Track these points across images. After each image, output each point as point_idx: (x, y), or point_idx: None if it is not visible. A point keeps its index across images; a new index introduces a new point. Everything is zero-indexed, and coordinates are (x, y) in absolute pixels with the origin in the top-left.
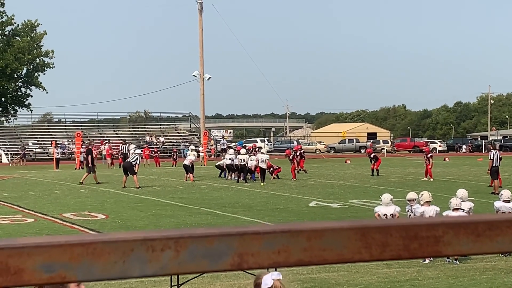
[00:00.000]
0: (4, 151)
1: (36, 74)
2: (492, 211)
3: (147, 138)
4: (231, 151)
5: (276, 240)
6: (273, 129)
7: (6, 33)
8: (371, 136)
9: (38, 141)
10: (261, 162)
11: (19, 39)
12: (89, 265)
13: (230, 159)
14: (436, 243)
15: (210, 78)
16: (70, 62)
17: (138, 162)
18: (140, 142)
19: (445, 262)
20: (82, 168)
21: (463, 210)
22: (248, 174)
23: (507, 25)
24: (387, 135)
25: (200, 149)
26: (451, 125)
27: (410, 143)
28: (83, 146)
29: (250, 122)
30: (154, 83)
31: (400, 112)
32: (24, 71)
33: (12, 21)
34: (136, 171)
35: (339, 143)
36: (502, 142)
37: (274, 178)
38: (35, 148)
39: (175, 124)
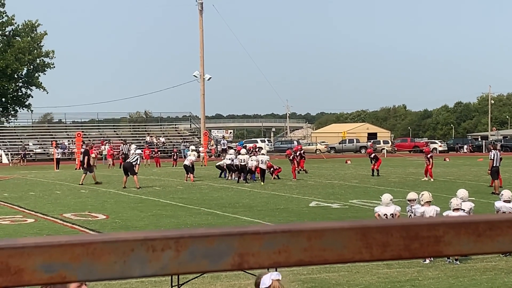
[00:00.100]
0: (4, 151)
1: (36, 75)
2: (493, 211)
3: (148, 139)
4: (232, 151)
5: (277, 240)
6: (273, 129)
7: (7, 33)
8: (372, 136)
9: (38, 141)
10: (261, 163)
11: (20, 39)
12: (90, 265)
13: (230, 159)
14: (437, 243)
15: (210, 78)
16: (70, 62)
17: (138, 163)
18: (140, 142)
19: (446, 262)
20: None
21: (464, 210)
22: (248, 174)
23: (507, 25)
24: (388, 135)
25: (201, 149)
26: (452, 125)
27: (411, 143)
28: (83, 147)
29: (251, 122)
30: (154, 83)
31: (401, 112)
32: (24, 72)
33: (12, 21)
34: (136, 171)
35: (339, 143)
36: (503, 142)
37: (274, 178)
38: (36, 149)
39: (175, 124)
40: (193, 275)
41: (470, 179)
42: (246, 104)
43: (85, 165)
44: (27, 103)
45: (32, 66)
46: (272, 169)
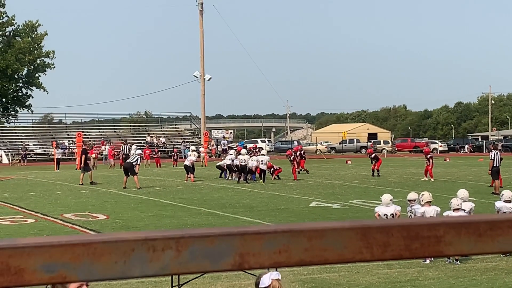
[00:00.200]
0: (4, 151)
1: (36, 75)
2: (493, 211)
3: (148, 139)
4: (232, 151)
5: (277, 240)
6: (273, 129)
7: (7, 33)
8: (372, 136)
9: (38, 141)
10: (262, 163)
11: (20, 39)
12: (90, 265)
13: (230, 159)
14: (438, 243)
15: (210, 78)
16: (70, 62)
17: (138, 163)
18: (140, 143)
19: (446, 262)
20: None
21: (464, 210)
22: (249, 174)
23: (508, 25)
24: (388, 135)
25: (201, 149)
26: (452, 125)
27: (411, 144)
28: (83, 146)
29: (251, 122)
30: (154, 83)
31: (401, 112)
32: (24, 72)
33: (12, 21)
34: (136, 171)
35: (339, 143)
36: (503, 142)
37: (274, 178)
38: (36, 149)
39: (175, 125)
40: (193, 275)
41: (470, 179)
42: (247, 104)
43: (82, 164)
44: (27, 103)
45: (32, 67)
46: (272, 169)
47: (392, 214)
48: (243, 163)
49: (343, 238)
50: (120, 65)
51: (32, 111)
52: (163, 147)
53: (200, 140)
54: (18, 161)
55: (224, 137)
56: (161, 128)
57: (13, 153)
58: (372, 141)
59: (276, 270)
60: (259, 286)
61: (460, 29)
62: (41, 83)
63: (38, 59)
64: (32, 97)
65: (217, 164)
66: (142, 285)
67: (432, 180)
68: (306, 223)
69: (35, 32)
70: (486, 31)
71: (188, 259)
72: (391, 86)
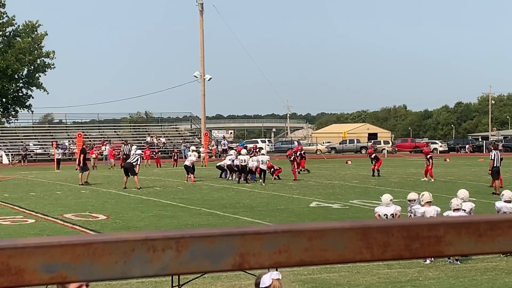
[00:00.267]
0: (5, 152)
1: (37, 75)
2: (493, 211)
3: (148, 139)
4: (232, 151)
5: (277, 240)
6: (274, 129)
7: (7, 34)
8: (372, 136)
9: (39, 141)
10: (262, 163)
11: (20, 40)
12: (90, 265)
13: (230, 159)
14: (438, 243)
15: (210, 78)
16: (71, 62)
17: (138, 163)
18: (141, 143)
19: (446, 262)
20: None
21: (464, 210)
22: (249, 174)
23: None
24: (388, 135)
25: (201, 149)
26: (452, 125)
27: (411, 144)
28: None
29: (251, 122)
30: (155, 83)
31: (401, 112)
32: (25, 72)
33: (13, 22)
34: (136, 171)
35: (340, 143)
36: (503, 143)
37: (274, 178)
38: (36, 149)
39: (176, 125)
40: (193, 275)
41: (470, 179)
42: (247, 105)
43: (80, 164)
44: (27, 103)
45: (32, 67)
46: (272, 169)
47: (392, 214)
48: (243, 163)
49: (343, 238)
50: (120, 65)
51: (32, 111)
52: (163, 147)
53: (200, 140)
54: (18, 161)
55: (224, 137)
56: (161, 128)
57: (13, 153)
58: (372, 141)
59: (276, 270)
60: (260, 286)
61: (460, 29)
62: (41, 83)
63: (38, 59)
64: (32, 97)
65: (217, 164)
66: (142, 285)
67: (432, 180)
68: (306, 223)
69: (35, 32)
70: (486, 31)
71: (188, 259)
72: (391, 86)
